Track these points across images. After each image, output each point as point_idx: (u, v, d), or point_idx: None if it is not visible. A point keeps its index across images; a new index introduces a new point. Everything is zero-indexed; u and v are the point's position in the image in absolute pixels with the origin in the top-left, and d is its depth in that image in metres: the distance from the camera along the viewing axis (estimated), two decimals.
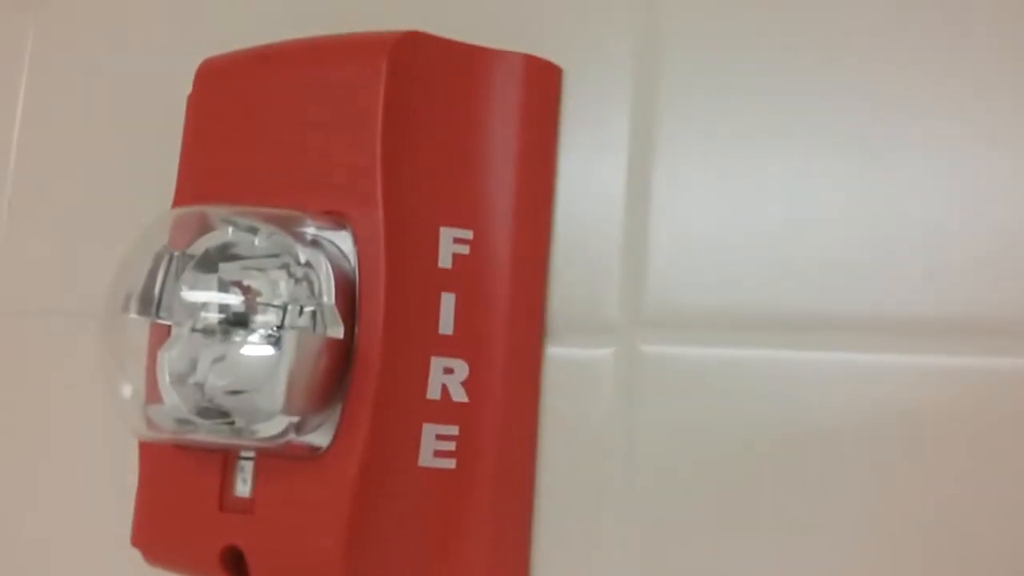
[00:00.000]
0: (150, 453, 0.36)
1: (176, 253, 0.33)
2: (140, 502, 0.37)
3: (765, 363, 0.32)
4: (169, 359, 0.33)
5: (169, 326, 0.34)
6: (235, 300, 0.32)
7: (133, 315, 0.33)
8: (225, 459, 0.33)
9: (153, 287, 0.33)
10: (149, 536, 0.35)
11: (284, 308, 0.32)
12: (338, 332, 0.32)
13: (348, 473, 0.32)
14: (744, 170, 0.33)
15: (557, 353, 0.34)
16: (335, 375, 0.32)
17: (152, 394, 0.33)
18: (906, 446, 0.30)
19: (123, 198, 0.43)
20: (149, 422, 0.32)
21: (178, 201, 0.36)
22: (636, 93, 0.35)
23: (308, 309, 0.31)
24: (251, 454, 0.33)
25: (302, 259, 0.32)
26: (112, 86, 0.45)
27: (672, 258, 0.33)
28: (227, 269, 0.33)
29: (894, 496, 0.30)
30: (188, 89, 0.39)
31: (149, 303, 0.33)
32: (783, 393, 0.31)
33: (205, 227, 0.34)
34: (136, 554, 0.36)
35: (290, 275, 0.32)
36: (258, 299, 0.32)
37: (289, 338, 0.31)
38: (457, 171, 0.34)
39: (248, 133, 0.35)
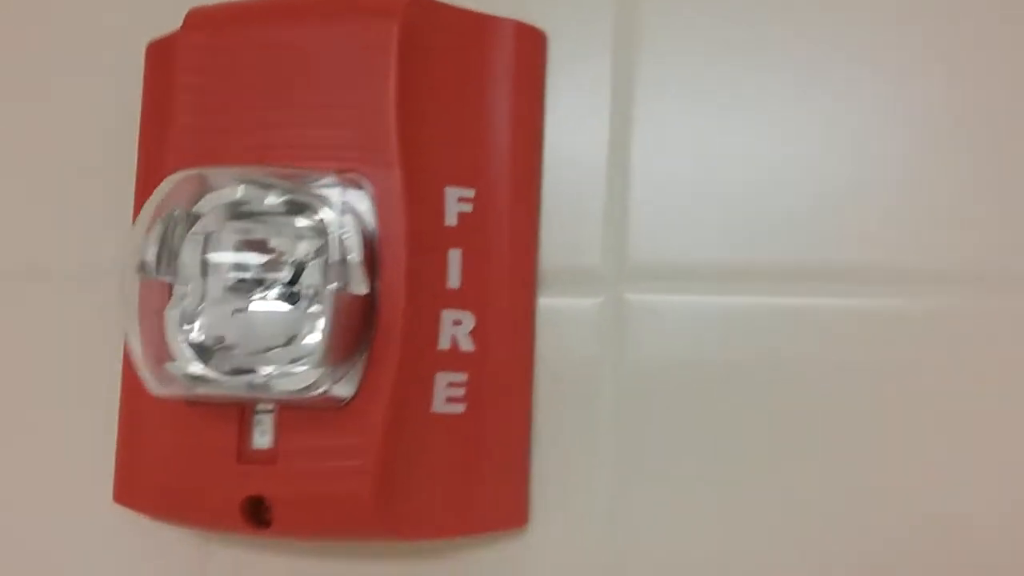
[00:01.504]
0: (138, 409, 0.37)
1: (183, 212, 0.34)
2: (125, 458, 0.37)
3: (744, 309, 0.36)
4: (184, 317, 0.33)
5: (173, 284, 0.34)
6: (257, 259, 0.33)
7: (146, 276, 0.33)
8: (241, 413, 0.34)
9: (165, 247, 0.33)
10: (147, 491, 0.36)
11: (301, 265, 0.33)
12: (364, 289, 0.33)
13: (374, 421, 0.33)
14: (720, 125, 0.36)
15: (548, 303, 0.37)
16: (359, 329, 0.33)
17: (162, 352, 0.33)
18: (870, 385, 0.35)
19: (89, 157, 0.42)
20: (167, 379, 0.33)
21: (175, 160, 0.35)
22: (616, 53, 0.37)
23: (331, 266, 0.32)
24: (270, 407, 0.34)
25: (321, 217, 0.33)
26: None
27: (653, 211, 0.37)
28: (243, 228, 0.33)
29: (857, 430, 0.35)
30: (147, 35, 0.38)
31: (163, 263, 0.33)
32: (761, 337, 0.36)
33: (207, 187, 0.34)
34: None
35: (310, 233, 0.33)
36: (282, 257, 0.33)
37: (326, 295, 0.32)
38: (459, 132, 0.36)
39: (249, 89, 0.35)
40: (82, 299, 0.41)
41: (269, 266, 0.33)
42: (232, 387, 0.32)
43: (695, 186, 0.36)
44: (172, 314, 0.34)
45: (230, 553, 0.38)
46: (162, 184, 0.33)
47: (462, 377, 0.35)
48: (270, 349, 0.33)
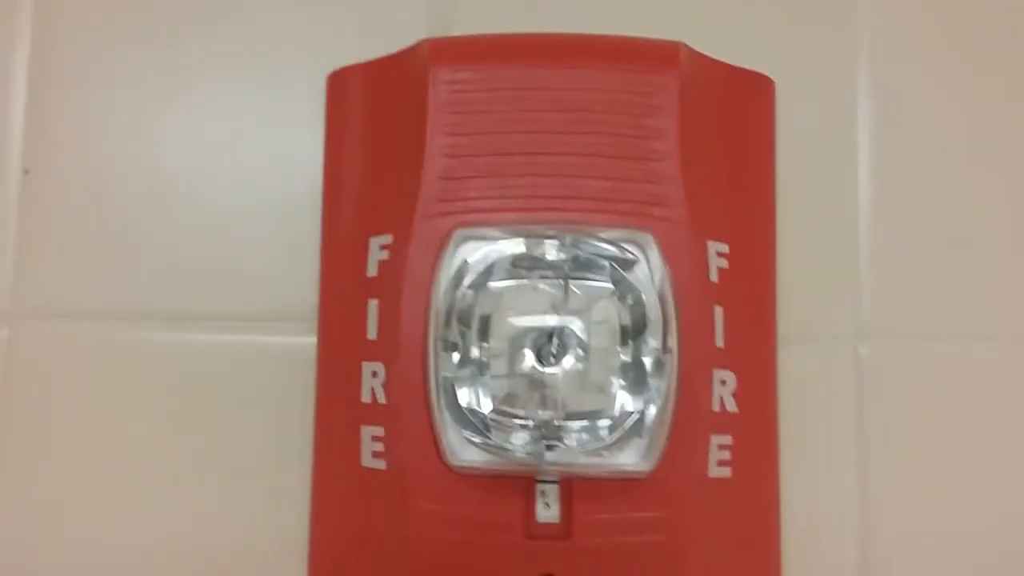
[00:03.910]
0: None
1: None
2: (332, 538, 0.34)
3: None
4: (483, 382, 0.31)
5: None
6: (559, 320, 0.31)
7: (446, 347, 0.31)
8: (528, 485, 0.32)
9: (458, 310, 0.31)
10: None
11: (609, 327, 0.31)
12: (674, 351, 0.32)
13: (672, 491, 0.32)
14: None
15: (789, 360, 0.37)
16: None
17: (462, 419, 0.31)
18: None
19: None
20: (469, 448, 0.30)
21: (430, 205, 0.33)
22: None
23: (650, 326, 0.31)
24: (554, 478, 0.32)
25: (624, 274, 0.32)
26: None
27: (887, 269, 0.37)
28: (537, 285, 0.31)
29: None
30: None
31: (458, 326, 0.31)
32: None
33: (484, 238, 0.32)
34: None
35: (606, 291, 0.32)
36: (582, 315, 0.31)
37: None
38: (718, 186, 0.35)
39: (512, 132, 0.33)
40: (256, 348, 0.37)
41: (567, 325, 0.31)
42: (554, 458, 0.30)
43: None
44: (472, 379, 0.31)
45: None
46: (453, 242, 0.31)
47: (729, 440, 0.34)
48: (585, 417, 0.31)
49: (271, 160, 0.38)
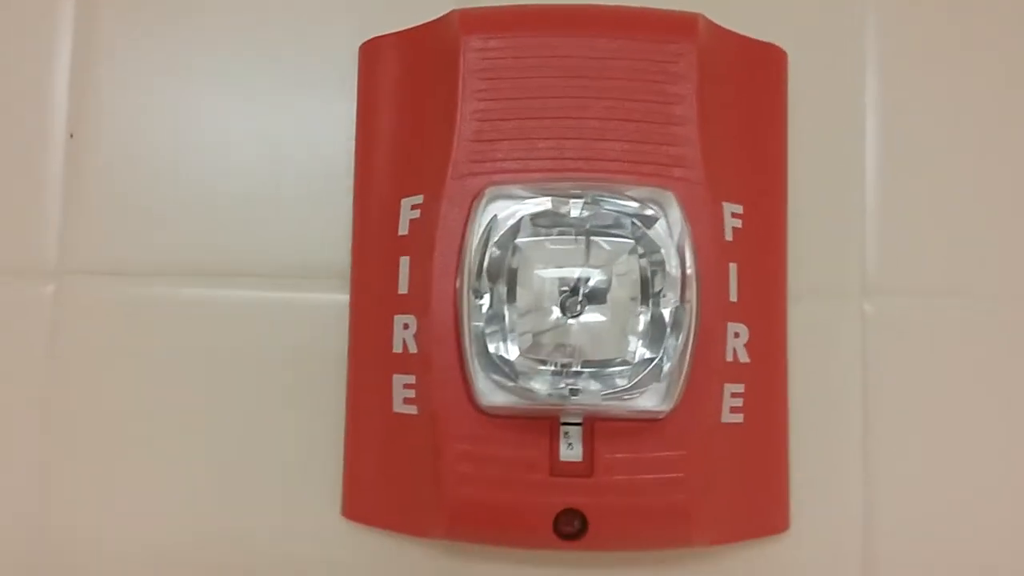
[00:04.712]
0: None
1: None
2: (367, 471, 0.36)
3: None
4: (513, 328, 0.33)
5: None
6: (586, 272, 0.33)
7: (478, 295, 0.33)
8: (551, 426, 0.34)
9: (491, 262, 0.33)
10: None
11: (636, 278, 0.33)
12: (694, 302, 0.34)
13: (690, 433, 0.34)
14: None
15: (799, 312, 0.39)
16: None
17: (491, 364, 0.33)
18: None
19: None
20: (500, 391, 0.32)
21: (463, 166, 0.35)
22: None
23: (670, 279, 0.33)
24: (577, 420, 0.34)
25: (645, 231, 0.33)
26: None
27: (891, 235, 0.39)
28: (567, 239, 0.33)
29: None
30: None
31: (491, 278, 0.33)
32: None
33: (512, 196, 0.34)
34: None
35: (628, 246, 0.34)
36: (608, 268, 0.33)
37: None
38: (733, 150, 0.37)
39: (539, 97, 0.35)
40: (290, 305, 0.39)
41: (591, 278, 0.33)
42: (577, 401, 0.32)
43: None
44: (500, 329, 0.33)
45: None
46: (484, 199, 0.33)
47: (741, 388, 0.36)
48: (606, 363, 0.33)
49: (305, 125, 0.40)
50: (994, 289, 0.39)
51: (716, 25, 0.37)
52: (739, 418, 0.36)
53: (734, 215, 0.37)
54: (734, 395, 0.36)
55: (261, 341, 0.39)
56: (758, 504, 0.37)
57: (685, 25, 0.35)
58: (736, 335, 0.36)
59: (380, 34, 0.39)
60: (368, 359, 0.37)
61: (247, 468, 0.39)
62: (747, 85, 0.38)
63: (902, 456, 0.38)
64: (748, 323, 0.37)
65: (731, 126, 0.37)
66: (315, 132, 0.40)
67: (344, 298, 0.38)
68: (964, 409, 0.38)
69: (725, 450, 0.36)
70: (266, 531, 0.38)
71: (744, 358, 0.36)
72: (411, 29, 0.38)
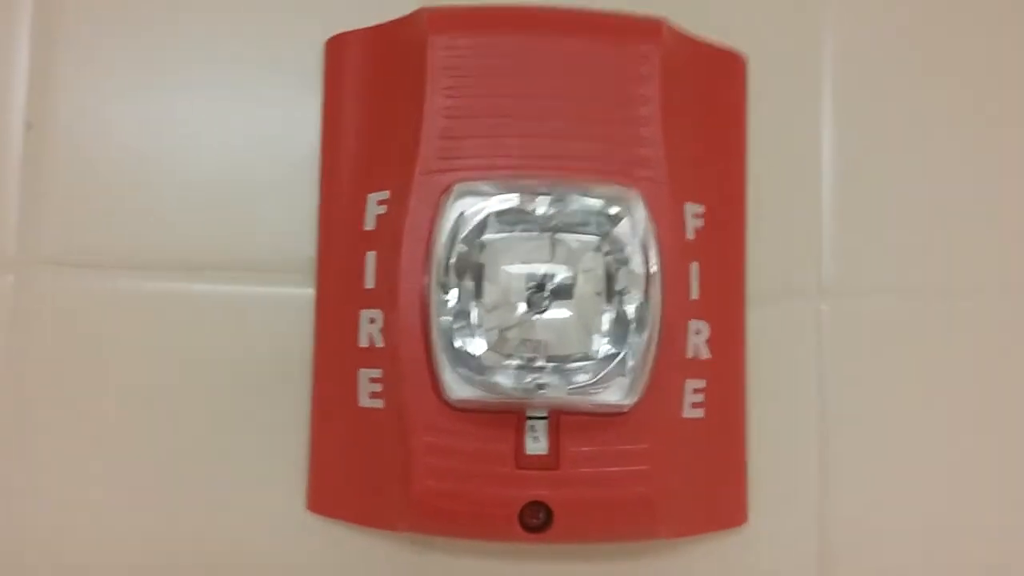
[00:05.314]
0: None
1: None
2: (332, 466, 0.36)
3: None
4: (481, 323, 0.33)
5: None
6: (551, 268, 0.34)
7: (444, 290, 0.33)
8: (517, 420, 0.34)
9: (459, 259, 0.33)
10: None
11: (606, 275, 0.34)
12: (659, 300, 0.34)
13: (653, 426, 0.35)
14: None
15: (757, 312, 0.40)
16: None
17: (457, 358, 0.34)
18: None
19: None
20: (468, 384, 0.33)
21: (427, 163, 0.35)
22: None
23: (634, 276, 0.34)
24: (543, 413, 0.35)
25: (609, 229, 0.34)
26: None
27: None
28: (532, 236, 0.34)
29: None
30: None
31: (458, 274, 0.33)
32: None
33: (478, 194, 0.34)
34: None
35: (592, 244, 0.34)
36: (575, 265, 0.34)
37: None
38: (694, 151, 0.37)
39: (505, 96, 0.35)
40: (256, 299, 0.39)
41: (556, 274, 0.34)
42: (542, 395, 0.33)
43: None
44: (467, 323, 0.34)
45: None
46: (452, 196, 0.33)
47: (703, 384, 0.37)
48: (571, 358, 0.33)
49: (270, 118, 0.40)
50: (948, 288, 0.40)
51: (679, 31, 0.37)
52: (700, 413, 0.37)
53: (696, 215, 0.37)
54: (695, 391, 0.37)
55: (226, 335, 0.39)
56: (718, 498, 0.38)
57: (649, 29, 0.36)
58: (697, 332, 0.37)
59: (346, 30, 0.39)
60: (334, 353, 0.38)
61: (211, 461, 0.39)
62: (708, 89, 0.38)
63: (857, 452, 0.39)
64: (709, 320, 0.37)
65: (693, 128, 0.37)
66: (280, 125, 0.40)
67: (310, 292, 0.39)
68: (918, 406, 0.39)
69: (687, 444, 0.36)
70: (230, 524, 0.39)
71: (705, 355, 0.37)
72: (378, 26, 0.38)
